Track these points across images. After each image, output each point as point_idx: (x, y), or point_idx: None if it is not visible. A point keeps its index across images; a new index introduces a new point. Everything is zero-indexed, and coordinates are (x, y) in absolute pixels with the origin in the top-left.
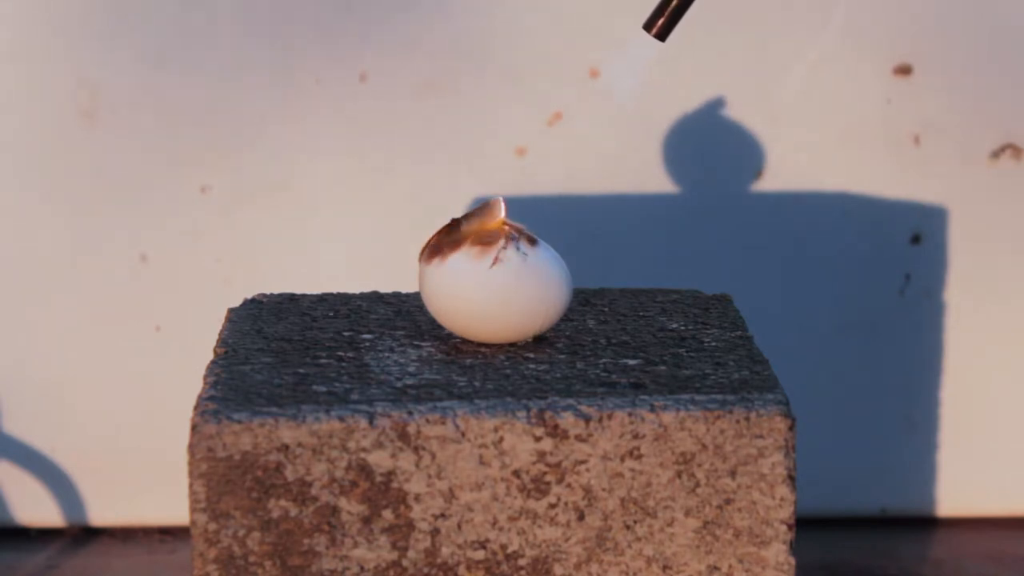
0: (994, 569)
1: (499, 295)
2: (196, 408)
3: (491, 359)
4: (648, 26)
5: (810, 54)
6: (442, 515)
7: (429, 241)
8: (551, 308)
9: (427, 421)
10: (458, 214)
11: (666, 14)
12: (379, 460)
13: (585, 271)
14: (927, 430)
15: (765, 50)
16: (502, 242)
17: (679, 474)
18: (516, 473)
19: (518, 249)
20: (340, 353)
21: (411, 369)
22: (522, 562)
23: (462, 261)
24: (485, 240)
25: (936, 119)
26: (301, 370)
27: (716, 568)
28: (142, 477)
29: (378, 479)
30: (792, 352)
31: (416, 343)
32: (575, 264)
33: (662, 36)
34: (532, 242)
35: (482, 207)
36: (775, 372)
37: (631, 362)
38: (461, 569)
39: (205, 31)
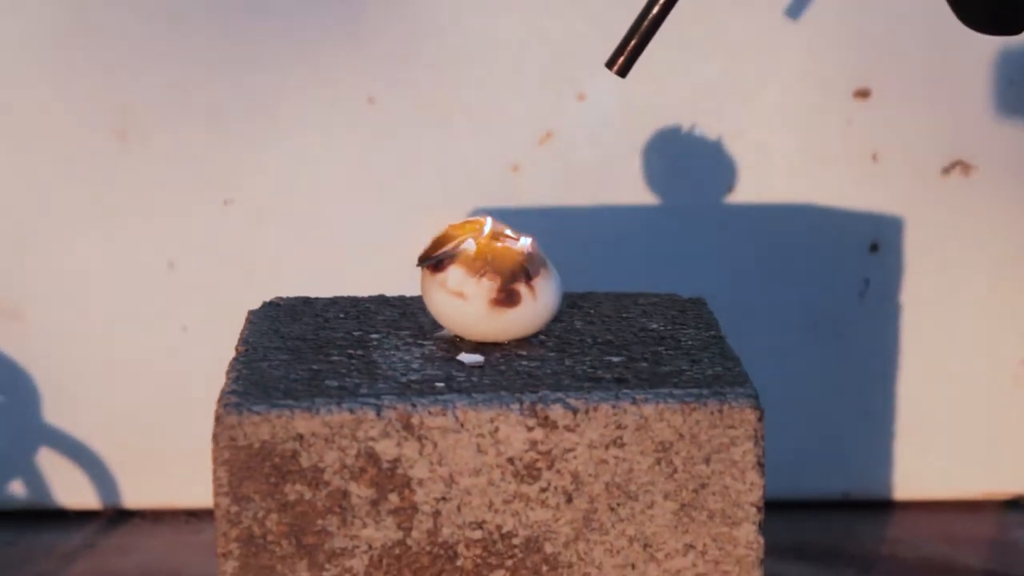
0: (946, 548)
1: (494, 308)
2: (219, 401)
3: (487, 356)
4: (610, 64)
5: (778, 79)
6: (443, 498)
7: (427, 249)
8: (542, 313)
9: (429, 413)
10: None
11: (626, 53)
12: (385, 448)
13: (573, 276)
14: (885, 421)
15: (737, 75)
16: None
17: (658, 461)
18: (510, 460)
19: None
20: (350, 351)
21: (415, 366)
22: (516, 541)
23: (461, 273)
24: (484, 257)
25: (892, 138)
26: (315, 366)
27: (692, 547)
28: (171, 464)
29: (385, 465)
30: (761, 350)
31: (419, 342)
32: (564, 270)
33: (623, 73)
34: (531, 265)
35: (474, 223)
36: (745, 368)
37: (615, 359)
38: (460, 548)
39: (230, 61)
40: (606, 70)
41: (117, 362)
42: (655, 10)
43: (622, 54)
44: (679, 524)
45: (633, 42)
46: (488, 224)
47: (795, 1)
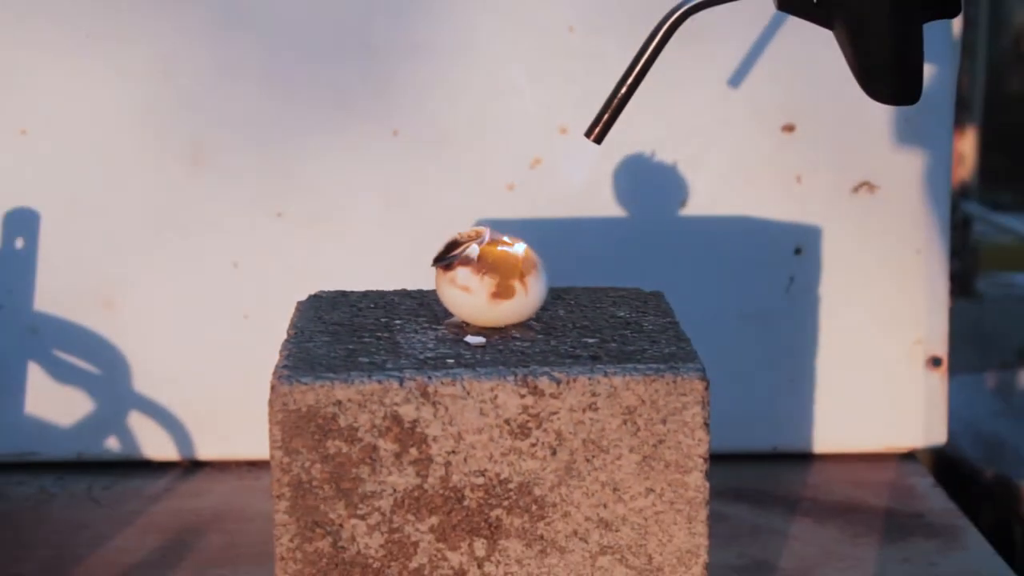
0: (856, 492)
1: (494, 300)
2: (275, 374)
3: (489, 338)
4: (588, 133)
5: (722, 118)
6: (453, 451)
7: (440, 252)
8: (532, 304)
9: (442, 383)
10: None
11: (600, 124)
12: (407, 412)
13: (557, 274)
14: (807, 388)
15: (691, 116)
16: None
17: (625, 421)
18: (507, 421)
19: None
20: (378, 334)
21: (430, 345)
22: (511, 486)
23: (467, 272)
24: (486, 259)
25: (812, 163)
26: (350, 346)
27: (652, 490)
28: (235, 423)
29: (406, 425)
30: (707, 333)
31: (434, 327)
32: (549, 269)
33: (599, 140)
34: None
35: (477, 232)
36: (694, 348)
37: (590, 340)
38: (467, 491)
39: (280, 103)
40: (584, 112)
41: (192, 343)
42: (623, 90)
43: (598, 125)
44: (642, 472)
45: (606, 116)
46: (487, 235)
47: (736, 74)
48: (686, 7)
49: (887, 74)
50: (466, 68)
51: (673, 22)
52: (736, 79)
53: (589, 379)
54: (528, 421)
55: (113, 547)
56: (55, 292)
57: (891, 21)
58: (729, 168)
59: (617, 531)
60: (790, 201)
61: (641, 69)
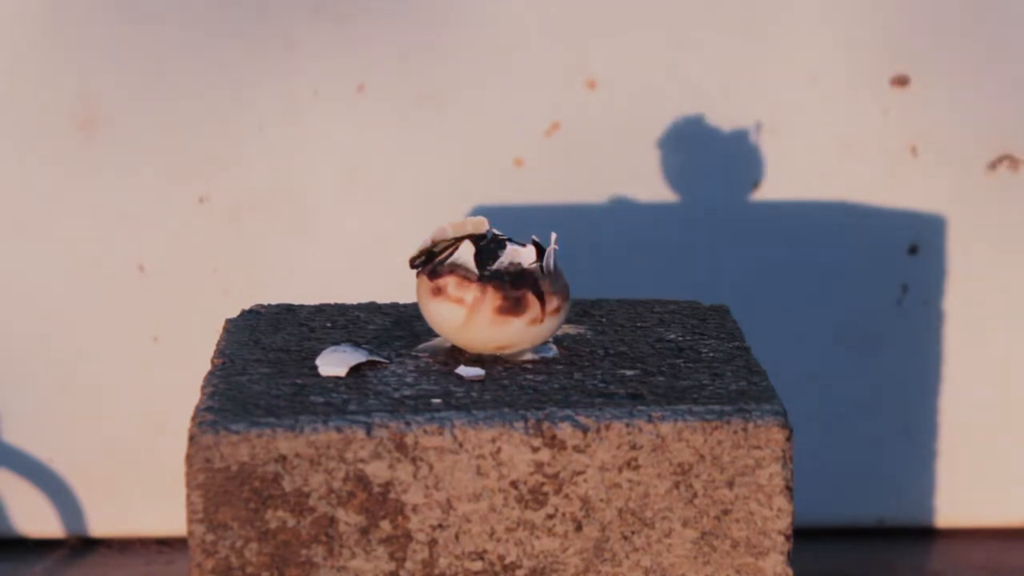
0: None
1: (498, 316)
2: (193, 419)
3: (489, 369)
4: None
5: (808, 63)
6: (440, 526)
7: (421, 250)
8: (550, 322)
9: (424, 432)
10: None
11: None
12: (377, 471)
13: (583, 281)
14: (925, 440)
15: (763, 58)
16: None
17: (677, 485)
18: (514, 484)
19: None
20: None
21: (408, 380)
22: (520, 573)
23: (461, 280)
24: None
25: (933, 130)
26: (299, 381)
27: None
28: (141, 488)
29: (375, 490)
30: (789, 363)
31: (414, 354)
32: (573, 274)
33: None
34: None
35: (475, 223)
36: (772, 383)
37: (628, 373)
38: None
39: (204, 42)
40: (619, 52)
41: (81, 376)
42: None
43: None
44: (699, 554)
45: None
46: (488, 228)
47: (830, 6)
48: None
49: None
50: (461, 2)
51: None
52: (828, 12)
53: (627, 426)
54: (543, 484)
55: None
56: None
57: None
58: (818, 136)
59: None
60: (902, 181)
61: None
